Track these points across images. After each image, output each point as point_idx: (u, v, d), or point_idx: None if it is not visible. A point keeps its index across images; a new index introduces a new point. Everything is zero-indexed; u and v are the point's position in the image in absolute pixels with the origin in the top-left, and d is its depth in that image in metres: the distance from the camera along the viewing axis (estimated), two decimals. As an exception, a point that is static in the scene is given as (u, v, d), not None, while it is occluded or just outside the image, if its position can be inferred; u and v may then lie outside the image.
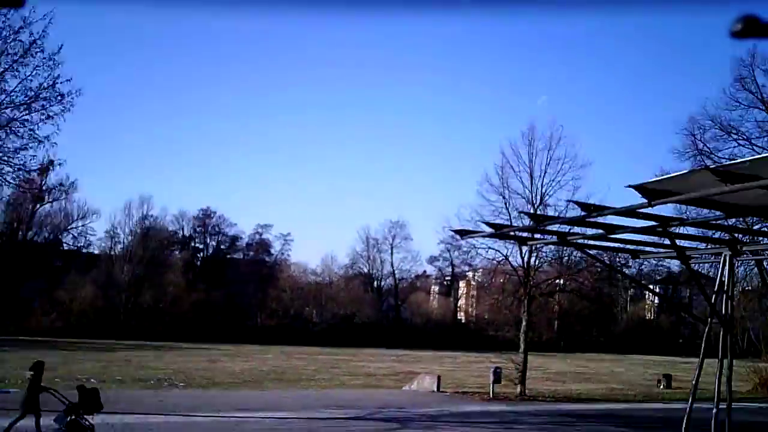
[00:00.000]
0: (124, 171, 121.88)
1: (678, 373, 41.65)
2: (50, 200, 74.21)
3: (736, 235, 17.60)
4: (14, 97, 17.91)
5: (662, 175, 28.54)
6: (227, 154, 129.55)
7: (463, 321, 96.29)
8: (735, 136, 38.36)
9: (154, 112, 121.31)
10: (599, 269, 33.60)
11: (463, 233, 19.02)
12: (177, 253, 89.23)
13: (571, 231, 18.33)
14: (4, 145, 18.13)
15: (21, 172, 18.24)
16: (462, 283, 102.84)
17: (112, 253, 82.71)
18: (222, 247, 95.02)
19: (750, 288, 42.29)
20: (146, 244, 78.78)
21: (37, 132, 18.17)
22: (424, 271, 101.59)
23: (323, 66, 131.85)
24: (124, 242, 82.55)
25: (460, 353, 67.62)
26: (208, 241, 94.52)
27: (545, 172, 30.31)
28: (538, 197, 30.00)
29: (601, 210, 14.26)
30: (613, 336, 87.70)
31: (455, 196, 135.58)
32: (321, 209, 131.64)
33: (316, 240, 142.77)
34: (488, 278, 33.84)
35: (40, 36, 17.52)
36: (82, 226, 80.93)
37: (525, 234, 19.01)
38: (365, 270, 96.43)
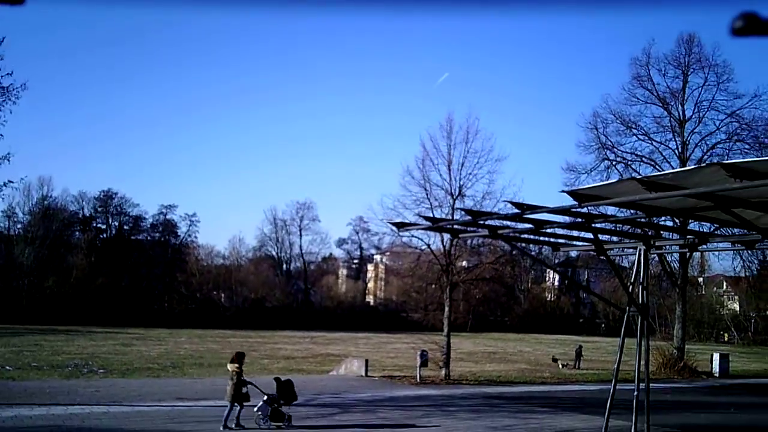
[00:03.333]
0: (21, 152, 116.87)
1: (584, 353, 43.74)
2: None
3: (648, 231, 19.12)
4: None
5: (570, 168, 30.24)
6: (129, 135, 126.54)
7: (371, 303, 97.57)
8: (635, 131, 40.65)
9: (50, 91, 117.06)
10: (502, 251, 35.01)
11: (401, 225, 19.76)
12: (78, 234, 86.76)
13: (502, 225, 19.34)
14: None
15: None
16: (370, 266, 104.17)
17: (11, 234, 79.77)
18: (125, 227, 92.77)
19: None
20: (47, 224, 76.30)
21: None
22: (331, 254, 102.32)
23: (234, 43, 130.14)
24: (23, 222, 79.78)
25: (371, 334, 68.86)
26: (111, 221, 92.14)
27: (463, 165, 31.39)
28: (457, 189, 31.08)
29: (535, 209, 15.33)
30: (516, 316, 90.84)
31: (363, 177, 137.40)
32: (227, 190, 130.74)
33: (223, 222, 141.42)
34: (412, 264, 34.62)
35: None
36: (-24, 205, 77.60)
37: (458, 227, 19.99)
38: (274, 252, 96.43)
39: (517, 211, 15.26)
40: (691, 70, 39.02)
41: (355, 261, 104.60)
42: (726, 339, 77.13)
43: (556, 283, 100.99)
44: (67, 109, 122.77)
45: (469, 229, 18.97)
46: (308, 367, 36.22)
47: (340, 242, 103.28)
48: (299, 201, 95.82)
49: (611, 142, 40.17)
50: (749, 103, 38.09)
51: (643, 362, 18.45)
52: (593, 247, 20.40)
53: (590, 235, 18.93)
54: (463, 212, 17.73)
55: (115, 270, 77.52)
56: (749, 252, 38.40)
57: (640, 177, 13.48)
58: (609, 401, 18.01)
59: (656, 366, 35.55)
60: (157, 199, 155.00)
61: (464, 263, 34.02)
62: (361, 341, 60.70)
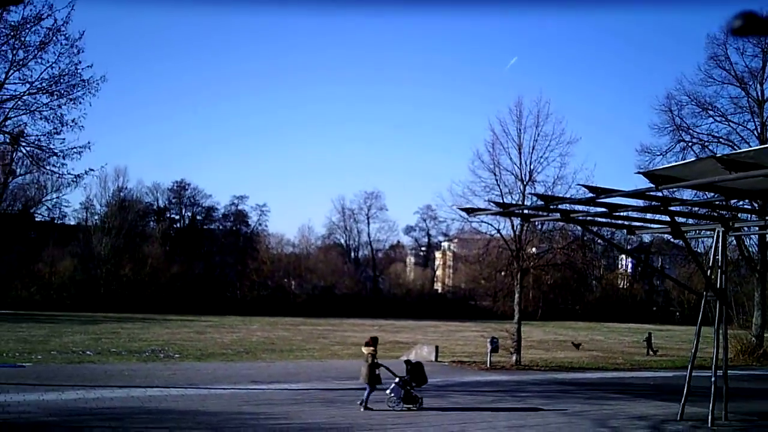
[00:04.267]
0: (98, 143, 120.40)
1: (656, 341, 42.84)
2: (22, 173, 73.39)
3: (726, 214, 18.53)
4: (38, 84, 18.16)
5: (644, 150, 29.55)
6: (201, 128, 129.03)
7: (440, 291, 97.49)
8: (711, 113, 39.44)
9: (126, 83, 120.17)
10: (573, 236, 34.36)
11: (470, 211, 19.68)
12: (153, 224, 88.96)
13: (574, 209, 19.06)
14: (33, 131, 18.45)
15: (54, 157, 18.51)
16: (438, 254, 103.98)
17: (89, 224, 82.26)
18: (198, 218, 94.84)
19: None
20: (123, 215, 78.42)
21: (64, 116, 18.48)
22: (398, 242, 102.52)
23: (301, 40, 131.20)
24: (100, 214, 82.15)
25: (439, 322, 68.77)
26: (184, 212, 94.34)
27: (533, 149, 31.00)
28: (527, 173, 30.71)
29: (609, 192, 15.03)
30: (588, 304, 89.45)
31: (430, 167, 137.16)
32: (296, 180, 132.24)
33: (293, 211, 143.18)
34: (481, 251, 34.36)
35: (63, 23, 17.74)
36: (57, 198, 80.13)
37: (529, 212, 19.77)
38: (342, 240, 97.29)
39: (591, 195, 15.01)
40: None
41: (423, 248, 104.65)
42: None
43: (629, 270, 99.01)
44: (141, 101, 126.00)
45: (540, 213, 18.77)
46: (378, 354, 36.37)
47: (408, 230, 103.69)
48: (367, 190, 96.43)
49: (686, 123, 39.12)
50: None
51: (721, 348, 18.03)
52: (669, 230, 20.00)
53: (665, 218, 18.56)
54: (534, 197, 17.49)
55: (189, 258, 79.36)
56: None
57: (719, 155, 13.05)
58: (686, 387, 17.67)
59: (734, 353, 34.55)
60: (228, 190, 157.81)
61: (534, 249, 33.55)
62: (429, 329, 60.71)
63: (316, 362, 30.94)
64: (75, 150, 18.72)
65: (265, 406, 17.47)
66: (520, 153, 30.56)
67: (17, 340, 36.19)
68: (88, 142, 19.29)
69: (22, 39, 17.41)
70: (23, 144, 18.47)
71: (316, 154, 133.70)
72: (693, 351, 18.60)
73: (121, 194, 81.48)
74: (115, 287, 72.72)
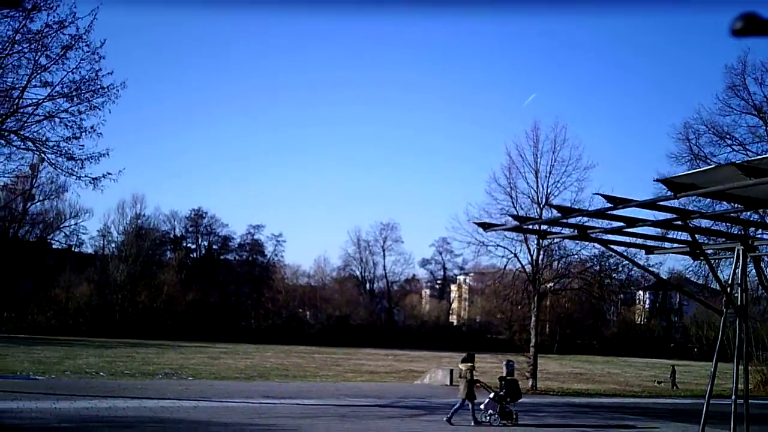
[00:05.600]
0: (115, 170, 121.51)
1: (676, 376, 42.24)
2: (41, 198, 74.20)
3: (750, 230, 18.35)
4: (59, 89, 18.41)
5: (688, 172, 29.24)
6: (218, 155, 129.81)
7: (455, 324, 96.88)
8: (729, 141, 39.23)
9: (145, 111, 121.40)
10: (591, 261, 34.10)
11: (486, 226, 19.51)
12: (169, 253, 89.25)
13: (590, 225, 18.90)
14: (52, 136, 18.65)
15: (71, 162, 18.70)
16: (453, 287, 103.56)
17: (106, 252, 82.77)
18: (214, 247, 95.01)
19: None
20: (140, 243, 78.76)
21: (83, 122, 18.70)
22: (414, 276, 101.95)
23: (318, 68, 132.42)
24: (117, 241, 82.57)
25: (454, 353, 68.08)
26: (201, 241, 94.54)
27: (550, 173, 31.04)
28: (544, 197, 30.69)
29: (627, 202, 14.86)
30: (605, 339, 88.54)
31: (446, 201, 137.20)
32: (313, 210, 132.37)
33: (309, 242, 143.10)
34: (497, 277, 34.18)
35: (85, 31, 18.02)
36: (75, 224, 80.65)
37: (545, 228, 19.59)
38: (357, 272, 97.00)
39: (608, 204, 14.86)
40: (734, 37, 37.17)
41: (439, 281, 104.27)
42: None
43: (647, 306, 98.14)
44: (156, 125, 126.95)
45: (556, 229, 18.61)
46: (390, 380, 36.17)
47: (424, 263, 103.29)
48: (383, 222, 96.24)
49: (704, 152, 38.92)
50: None
51: (741, 368, 17.73)
52: (688, 249, 19.80)
53: (684, 236, 18.34)
54: (552, 209, 17.36)
55: (204, 287, 79.33)
56: None
57: (738, 162, 12.92)
58: (704, 409, 17.34)
59: (754, 384, 33.99)
60: (245, 218, 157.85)
61: (549, 285, 33.31)
62: (444, 359, 60.13)
63: (329, 383, 30.75)
64: (94, 156, 18.91)
65: (276, 419, 17.34)
66: (537, 177, 30.62)
67: (32, 361, 36.23)
68: (107, 149, 19.49)
69: (45, 44, 17.66)
70: (43, 149, 18.61)
71: (332, 184, 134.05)
72: (712, 369, 18.27)
73: (139, 221, 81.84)
74: (131, 313, 72.82)
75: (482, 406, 18.45)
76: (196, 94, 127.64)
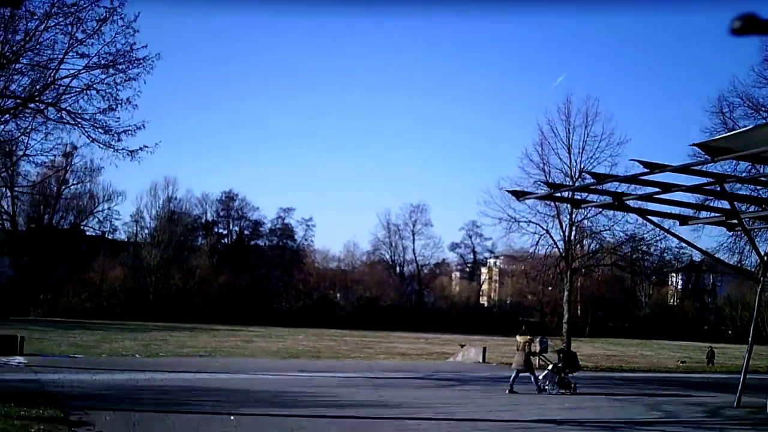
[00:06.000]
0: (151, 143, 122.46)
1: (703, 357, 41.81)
2: (75, 183, 75.14)
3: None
4: (96, 60, 18.59)
5: (695, 155, 28.97)
6: (249, 136, 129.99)
7: (485, 305, 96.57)
8: (764, 114, 38.57)
9: (176, 94, 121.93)
10: (625, 236, 33.53)
11: (519, 194, 19.47)
12: (201, 239, 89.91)
13: (624, 192, 18.69)
14: (89, 108, 18.87)
15: (108, 135, 18.92)
16: (484, 269, 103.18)
17: (139, 238, 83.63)
18: (245, 232, 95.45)
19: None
20: (172, 228, 79.41)
21: (119, 94, 18.93)
22: (443, 260, 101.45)
23: (345, 53, 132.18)
24: (149, 227, 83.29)
25: (486, 336, 67.97)
26: (232, 226, 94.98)
27: (583, 149, 30.79)
28: (577, 172, 30.40)
29: (662, 167, 14.73)
30: (637, 321, 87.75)
31: (475, 184, 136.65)
32: (342, 194, 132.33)
33: (338, 226, 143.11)
34: (528, 255, 34.05)
35: (119, 3, 18.18)
36: (108, 209, 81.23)
37: (578, 197, 19.44)
38: (387, 256, 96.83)
39: (644, 170, 14.75)
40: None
41: (469, 264, 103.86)
42: None
43: (679, 287, 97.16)
44: (191, 108, 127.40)
45: (590, 197, 18.47)
46: (422, 361, 36.27)
47: (453, 246, 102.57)
48: (413, 204, 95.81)
49: (739, 126, 38.30)
50: None
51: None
52: (723, 218, 19.58)
53: (721, 205, 18.12)
54: (587, 175, 17.22)
55: (236, 270, 79.85)
56: None
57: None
58: (741, 378, 17.30)
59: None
60: (275, 200, 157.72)
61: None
62: (475, 342, 60.04)
63: (362, 361, 30.95)
64: (130, 128, 19.13)
65: (314, 388, 17.51)
66: (569, 152, 30.41)
67: (68, 344, 36.65)
68: (143, 121, 19.68)
69: (80, 18, 17.82)
70: (81, 121, 18.83)
71: (361, 167, 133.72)
72: (749, 345, 18.13)
73: (171, 205, 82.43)
74: (164, 296, 73.62)
75: (541, 377, 18.91)
76: (229, 71, 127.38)
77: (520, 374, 18.72)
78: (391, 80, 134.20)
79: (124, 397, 14.50)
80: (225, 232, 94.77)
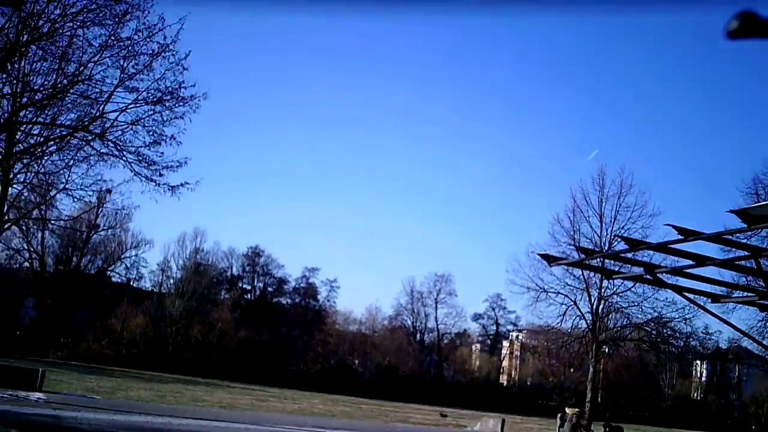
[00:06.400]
0: (177, 202, 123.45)
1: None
2: (105, 228, 76.00)
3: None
4: (144, 96, 18.99)
5: (763, 203, 28.57)
6: (277, 193, 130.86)
7: (505, 384, 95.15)
8: (800, 197, 38.45)
9: (209, 146, 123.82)
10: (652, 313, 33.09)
11: (551, 259, 19.35)
12: (224, 292, 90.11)
13: (657, 264, 18.56)
14: (135, 142, 19.25)
15: (151, 169, 19.20)
16: (505, 343, 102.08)
17: (164, 288, 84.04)
18: (269, 289, 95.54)
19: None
20: (197, 279, 79.78)
21: (164, 130, 19.31)
22: (465, 330, 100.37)
23: (374, 111, 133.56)
24: (175, 277, 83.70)
25: (504, 414, 66.73)
26: (256, 282, 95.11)
27: (615, 219, 30.80)
28: (607, 243, 30.32)
29: (697, 234, 14.57)
30: (659, 410, 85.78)
31: (501, 255, 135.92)
32: (367, 257, 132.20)
33: (362, 288, 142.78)
34: (553, 325, 33.75)
35: (172, 40, 18.58)
36: (135, 255, 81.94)
37: (609, 267, 19.33)
38: (408, 322, 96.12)
39: (678, 237, 14.62)
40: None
41: (490, 336, 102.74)
42: None
43: (704, 379, 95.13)
44: (221, 162, 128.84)
45: (623, 268, 18.36)
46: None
47: (476, 317, 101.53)
48: (437, 273, 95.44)
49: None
50: None
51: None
52: (756, 298, 19.27)
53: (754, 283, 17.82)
54: (620, 240, 17.16)
55: (256, 326, 79.61)
56: None
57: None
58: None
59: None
60: (300, 258, 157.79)
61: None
62: (492, 419, 59.01)
63: (378, 422, 30.53)
64: (173, 164, 19.44)
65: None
66: (601, 221, 30.47)
67: (85, 389, 36.65)
68: (185, 158, 19.98)
69: (134, 51, 18.24)
70: (125, 154, 19.18)
71: (389, 232, 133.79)
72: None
73: (198, 256, 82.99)
74: (184, 348, 73.45)
75: None
76: (263, 134, 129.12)
77: None
78: (420, 152, 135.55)
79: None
80: (249, 287, 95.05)
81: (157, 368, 65.22)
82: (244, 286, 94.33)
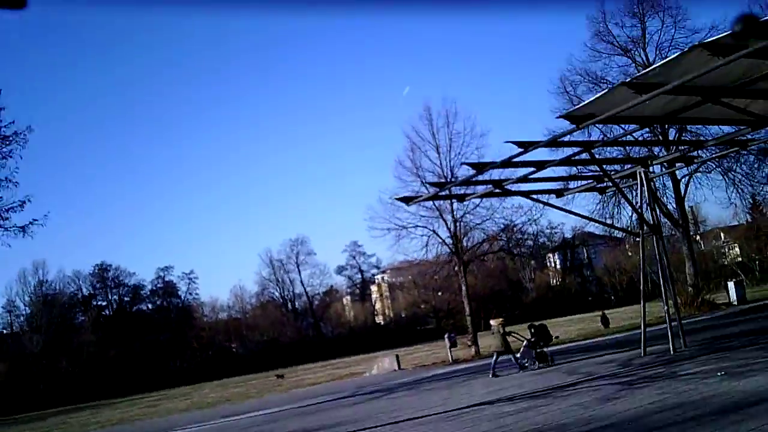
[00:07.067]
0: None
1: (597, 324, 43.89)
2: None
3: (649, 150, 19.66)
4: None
5: (550, 134, 30.62)
6: (113, 204, 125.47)
7: (381, 323, 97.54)
8: (604, 85, 41.58)
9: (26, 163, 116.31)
10: (505, 223, 35.22)
11: (408, 200, 20.22)
12: (80, 316, 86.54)
13: (505, 179, 19.77)
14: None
15: None
16: (374, 287, 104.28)
17: (15, 327, 79.78)
18: (126, 299, 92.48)
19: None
20: (48, 310, 76.24)
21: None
22: (332, 286, 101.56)
23: (207, 80, 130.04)
24: (24, 314, 79.63)
25: (388, 350, 68.67)
26: (110, 296, 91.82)
27: (450, 147, 32.19)
28: (449, 170, 31.78)
29: (535, 144, 15.80)
30: (525, 306, 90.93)
31: (350, 204, 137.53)
32: (220, 241, 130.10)
33: (222, 274, 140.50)
34: (419, 259, 35.02)
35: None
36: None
37: (462, 191, 20.44)
38: (276, 294, 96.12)
39: (519, 150, 15.73)
40: (647, 16, 40.33)
41: (357, 285, 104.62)
42: (737, 281, 76.88)
43: (558, 266, 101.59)
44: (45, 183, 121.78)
45: (474, 190, 19.42)
46: (338, 380, 36.43)
47: (339, 269, 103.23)
48: (292, 238, 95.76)
49: (583, 101, 40.85)
50: (707, 36, 39.09)
51: (668, 286, 19.07)
52: (594, 184, 21.06)
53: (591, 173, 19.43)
54: (467, 167, 18.11)
55: (124, 341, 77.21)
56: (742, 177, 39.47)
57: (628, 81, 13.96)
58: (642, 330, 18.64)
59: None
60: (151, 262, 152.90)
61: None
62: (381, 357, 60.62)
63: (282, 394, 30.80)
64: (15, 205, 18.67)
65: (249, 428, 17.42)
66: (438, 153, 31.64)
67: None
68: (27, 196, 19.37)
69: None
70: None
71: (236, 211, 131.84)
72: (641, 288, 19.54)
73: (43, 288, 79.14)
74: (54, 381, 70.06)
75: (518, 355, 20.00)
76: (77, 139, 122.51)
77: (500, 357, 19.69)
78: (253, 112, 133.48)
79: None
80: (104, 303, 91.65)
81: (30, 408, 62.14)
82: (100, 302, 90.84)
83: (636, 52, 41.32)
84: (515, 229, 36.46)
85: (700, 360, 15.33)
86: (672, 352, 17.47)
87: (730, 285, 40.02)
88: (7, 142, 18.54)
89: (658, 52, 40.65)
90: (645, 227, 18.57)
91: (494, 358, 19.71)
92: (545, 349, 20.25)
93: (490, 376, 19.02)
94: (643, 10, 40.46)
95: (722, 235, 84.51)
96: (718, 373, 12.27)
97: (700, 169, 37.98)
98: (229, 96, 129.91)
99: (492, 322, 20.28)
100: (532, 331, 20.32)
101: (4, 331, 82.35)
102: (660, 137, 35.54)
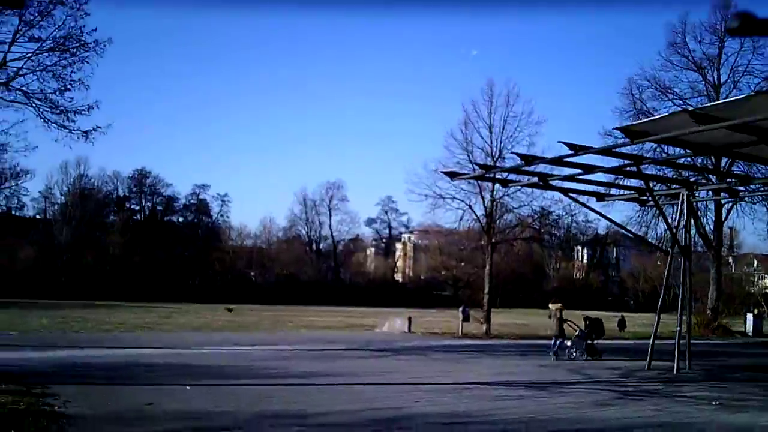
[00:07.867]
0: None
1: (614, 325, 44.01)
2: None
3: (697, 175, 19.75)
4: (48, 44, 18.68)
5: (607, 134, 30.50)
6: (163, 112, 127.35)
7: (400, 281, 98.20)
8: (670, 96, 41.36)
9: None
10: (540, 211, 35.37)
11: (454, 175, 20.54)
12: (113, 216, 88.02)
13: (551, 174, 20.07)
14: (45, 89, 18.87)
15: (62, 115, 18.93)
16: (399, 245, 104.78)
17: (48, 216, 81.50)
18: (159, 208, 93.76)
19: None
20: (84, 204, 77.68)
21: (72, 75, 19.01)
22: (358, 236, 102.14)
23: (260, 27, 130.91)
24: (59, 203, 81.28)
25: (402, 309, 69.33)
26: (144, 202, 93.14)
27: (503, 129, 32.21)
28: (498, 151, 31.90)
29: (586, 149, 16.04)
30: (545, 293, 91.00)
31: (391, 160, 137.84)
32: (259, 171, 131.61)
33: (255, 203, 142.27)
34: (450, 230, 35.43)
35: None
36: (15, 185, 78.63)
37: (506, 176, 20.68)
38: (304, 232, 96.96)
39: (569, 152, 15.99)
40: (727, 36, 39.59)
41: (384, 239, 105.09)
42: (756, 313, 76.44)
43: (585, 261, 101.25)
44: (106, 87, 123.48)
45: (518, 178, 19.71)
46: (353, 331, 37.13)
47: (369, 222, 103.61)
48: (329, 181, 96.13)
49: (647, 107, 40.61)
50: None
51: (686, 306, 19.29)
52: (636, 195, 21.20)
53: (634, 183, 19.58)
54: (515, 156, 18.36)
55: (150, 248, 78.59)
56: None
57: (690, 109, 14.10)
58: (651, 344, 18.91)
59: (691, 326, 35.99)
60: (189, 179, 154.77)
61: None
62: (394, 315, 61.20)
63: (292, 333, 31.58)
64: (83, 108, 19.25)
65: (255, 362, 18.07)
66: (491, 132, 31.76)
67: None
68: (96, 101, 19.85)
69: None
70: (34, 101, 18.81)
71: (278, 144, 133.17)
72: (658, 305, 19.78)
73: (82, 182, 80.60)
74: (77, 275, 71.76)
75: (568, 343, 20.43)
76: (144, 53, 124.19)
77: (558, 340, 20.48)
78: (304, 59, 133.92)
79: (72, 374, 14.63)
80: (137, 207, 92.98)
81: (51, 296, 63.91)
82: (133, 206, 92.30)
83: (709, 71, 40.76)
84: (550, 218, 36.64)
85: (700, 385, 15.69)
86: (675, 372, 17.81)
87: (749, 316, 39.96)
88: (86, 49, 18.94)
89: (731, 75, 40.28)
90: (676, 247, 18.77)
91: (553, 341, 20.38)
92: (596, 342, 20.56)
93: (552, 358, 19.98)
94: (725, 28, 39.81)
95: (755, 262, 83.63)
96: (713, 402, 12.63)
97: (746, 198, 37.74)
98: (296, 32, 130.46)
99: (551, 306, 20.94)
100: (587, 322, 20.80)
101: (37, 217, 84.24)
102: (710, 165, 35.16)
